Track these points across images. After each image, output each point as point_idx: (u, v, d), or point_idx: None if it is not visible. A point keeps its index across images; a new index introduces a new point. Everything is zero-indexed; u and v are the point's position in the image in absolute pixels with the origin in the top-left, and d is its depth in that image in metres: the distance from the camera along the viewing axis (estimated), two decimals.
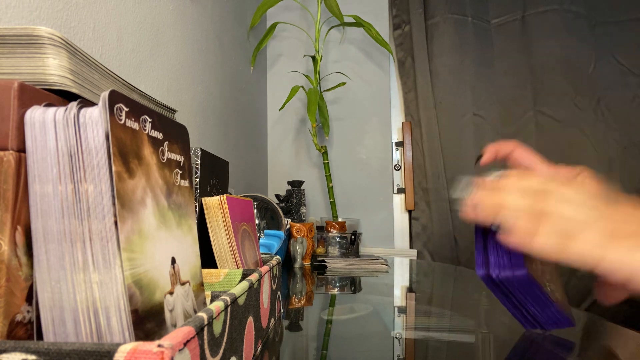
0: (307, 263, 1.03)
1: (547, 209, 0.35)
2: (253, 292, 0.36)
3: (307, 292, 0.72)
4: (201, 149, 0.55)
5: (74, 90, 0.27)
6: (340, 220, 1.24)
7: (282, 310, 0.57)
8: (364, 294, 0.71)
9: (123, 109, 0.23)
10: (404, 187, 1.57)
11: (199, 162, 0.54)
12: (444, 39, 1.52)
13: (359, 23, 1.38)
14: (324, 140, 1.61)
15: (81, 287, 0.22)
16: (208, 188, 0.56)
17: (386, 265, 0.99)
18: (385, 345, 0.43)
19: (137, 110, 0.25)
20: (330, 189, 1.41)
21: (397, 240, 1.57)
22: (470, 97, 1.50)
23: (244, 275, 0.44)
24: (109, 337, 0.22)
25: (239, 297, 0.31)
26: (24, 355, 0.18)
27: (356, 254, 1.18)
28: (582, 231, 0.33)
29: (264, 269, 0.42)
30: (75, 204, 0.22)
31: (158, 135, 0.28)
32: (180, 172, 0.31)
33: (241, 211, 0.51)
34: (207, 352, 0.24)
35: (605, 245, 0.33)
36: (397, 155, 1.59)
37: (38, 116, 0.23)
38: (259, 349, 0.38)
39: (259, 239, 0.87)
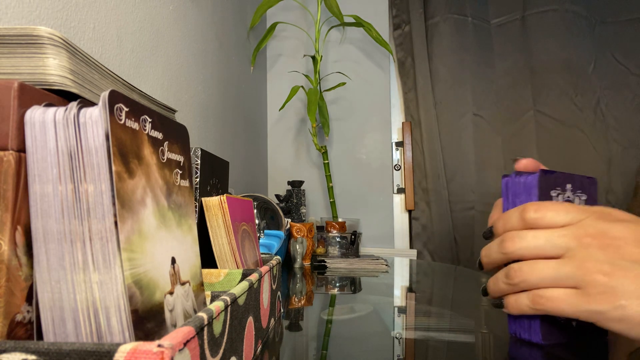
0: (307, 263, 1.03)
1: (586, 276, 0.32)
2: (253, 292, 0.36)
3: (307, 292, 0.72)
4: (201, 149, 0.55)
5: (74, 90, 0.27)
6: (340, 220, 1.24)
7: (282, 310, 0.57)
8: (364, 294, 0.71)
9: (123, 109, 0.23)
10: (404, 187, 1.57)
11: (199, 162, 0.54)
12: (444, 39, 1.52)
13: (359, 23, 1.38)
14: (324, 140, 1.61)
15: (81, 287, 0.22)
16: (208, 188, 0.56)
17: (386, 265, 0.99)
18: (385, 345, 0.43)
19: (137, 110, 0.25)
20: (330, 189, 1.41)
21: (397, 240, 1.57)
22: (470, 97, 1.50)
23: (244, 275, 0.44)
24: (109, 337, 0.22)
25: (239, 297, 0.31)
26: (24, 355, 0.18)
27: (356, 254, 1.18)
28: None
29: (264, 269, 0.42)
30: (75, 204, 0.22)
31: (158, 135, 0.28)
32: (180, 172, 0.31)
33: (241, 211, 0.51)
34: (207, 352, 0.24)
35: None
36: (397, 155, 1.59)
37: (38, 116, 0.23)
38: (259, 349, 0.38)
39: (259, 239, 0.87)
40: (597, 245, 0.32)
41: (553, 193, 0.39)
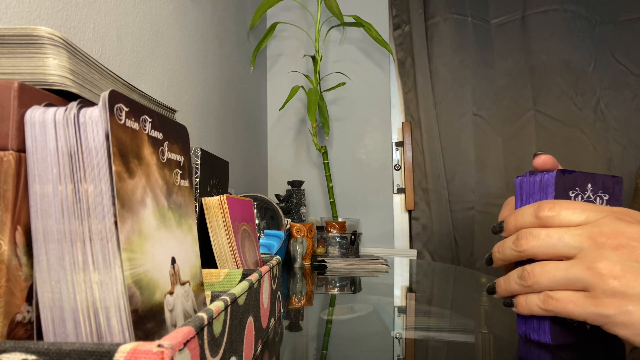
0: (307, 263, 1.03)
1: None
2: (253, 292, 0.36)
3: (307, 292, 0.72)
4: (201, 149, 0.55)
5: (74, 90, 0.27)
6: (340, 220, 1.24)
7: (282, 310, 0.57)
8: (364, 294, 0.71)
9: (123, 109, 0.23)
10: (404, 187, 1.57)
11: (199, 162, 0.54)
12: (444, 39, 1.52)
13: (359, 23, 1.38)
14: (324, 140, 1.61)
15: (81, 287, 0.22)
16: (208, 188, 0.56)
17: (386, 265, 0.99)
18: (385, 345, 0.43)
19: (137, 110, 0.25)
20: (330, 189, 1.41)
21: (397, 240, 1.57)
22: (470, 97, 1.50)
23: (244, 275, 0.44)
24: (109, 337, 0.22)
25: (239, 297, 0.31)
26: (24, 355, 0.18)
27: (356, 254, 1.18)
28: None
29: (264, 269, 0.42)
30: (75, 204, 0.22)
31: (158, 135, 0.28)
32: (180, 172, 0.31)
33: (241, 211, 0.51)
34: (207, 352, 0.24)
35: None
36: (397, 155, 1.59)
37: (38, 116, 0.23)
38: (259, 349, 0.38)
39: (259, 239, 0.87)
40: (611, 245, 0.31)
41: (571, 194, 0.38)
